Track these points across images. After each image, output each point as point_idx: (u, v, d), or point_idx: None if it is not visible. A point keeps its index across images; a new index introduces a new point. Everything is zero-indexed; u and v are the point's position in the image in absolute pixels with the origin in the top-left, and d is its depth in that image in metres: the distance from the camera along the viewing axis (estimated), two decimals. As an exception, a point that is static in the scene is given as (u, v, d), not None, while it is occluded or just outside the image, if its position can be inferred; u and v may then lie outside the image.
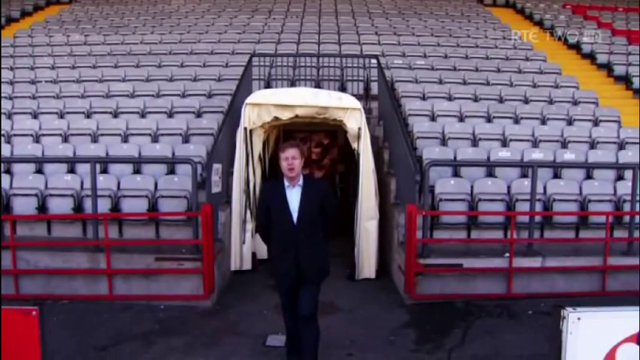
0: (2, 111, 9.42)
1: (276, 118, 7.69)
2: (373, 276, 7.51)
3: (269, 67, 11.29)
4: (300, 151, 4.54)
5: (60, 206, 7.28)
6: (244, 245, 7.66)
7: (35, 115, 9.68)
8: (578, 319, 2.78)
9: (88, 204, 7.04)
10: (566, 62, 13.47)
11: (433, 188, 7.43)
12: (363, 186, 7.46)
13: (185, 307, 6.37)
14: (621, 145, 9.04)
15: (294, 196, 4.49)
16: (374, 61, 10.99)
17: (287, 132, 10.13)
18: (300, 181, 4.53)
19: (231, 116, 8.27)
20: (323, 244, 4.69)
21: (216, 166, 7.30)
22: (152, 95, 10.48)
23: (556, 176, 8.10)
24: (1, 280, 6.02)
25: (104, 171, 7.81)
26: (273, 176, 8.87)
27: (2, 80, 10.66)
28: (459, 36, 14.69)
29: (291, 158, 4.43)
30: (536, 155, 8.40)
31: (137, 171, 7.94)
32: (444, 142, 8.88)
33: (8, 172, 7.77)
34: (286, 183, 4.52)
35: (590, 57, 14.19)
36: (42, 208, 7.31)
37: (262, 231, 4.84)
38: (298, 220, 4.47)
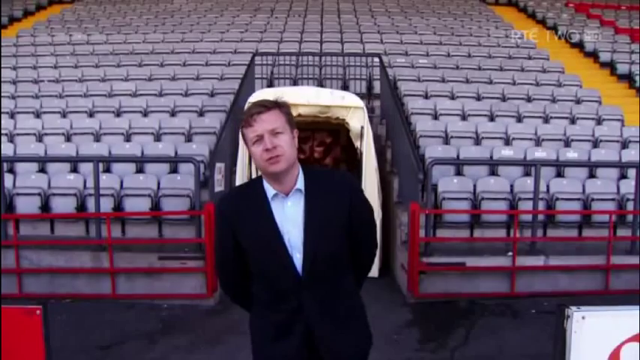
0: (5, 110, 9.44)
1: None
2: (376, 275, 7.48)
3: (271, 65, 11.31)
4: (287, 118, 2.29)
5: (63, 205, 7.28)
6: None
7: (38, 115, 9.70)
8: (583, 318, 2.77)
9: (90, 203, 7.04)
10: (569, 61, 13.45)
11: (436, 187, 7.42)
12: (365, 184, 7.45)
13: (188, 305, 6.37)
14: (624, 144, 9.01)
15: (290, 217, 2.30)
16: (376, 59, 10.98)
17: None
18: (300, 183, 2.31)
19: (234, 115, 8.26)
20: (357, 302, 2.57)
21: (219, 165, 7.30)
22: (155, 94, 10.48)
23: (559, 175, 8.07)
24: (5, 280, 6.03)
25: (107, 170, 7.82)
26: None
27: (5, 80, 10.69)
28: (462, 34, 14.67)
29: (268, 134, 2.22)
30: (539, 154, 8.38)
31: (140, 170, 7.94)
32: (446, 140, 8.86)
33: (11, 171, 7.78)
34: (270, 191, 2.31)
35: (593, 55, 14.17)
36: (45, 207, 7.31)
37: (231, 291, 2.66)
38: (307, 265, 2.30)
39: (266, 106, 2.27)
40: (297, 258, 2.30)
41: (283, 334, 2.37)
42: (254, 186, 2.38)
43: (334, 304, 2.39)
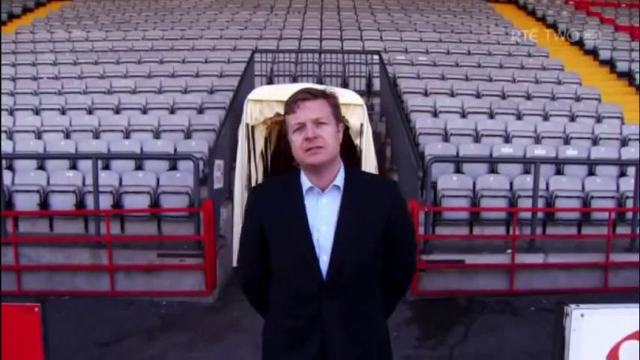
0: (4, 107, 9.43)
1: (278, 114, 7.66)
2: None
3: (271, 63, 11.30)
4: (334, 110, 2.15)
5: (62, 202, 7.27)
6: (246, 241, 7.63)
7: (37, 112, 9.68)
8: (582, 315, 2.76)
9: (89, 200, 7.02)
10: (569, 58, 13.45)
11: (435, 184, 7.41)
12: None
13: (187, 303, 6.37)
14: (624, 142, 9.01)
15: (322, 215, 2.13)
16: (376, 57, 10.98)
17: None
18: (339, 179, 2.15)
19: (233, 112, 8.26)
20: (383, 326, 2.29)
21: (218, 162, 7.29)
22: (154, 91, 10.46)
23: (558, 172, 8.07)
24: (4, 277, 6.03)
25: (106, 167, 7.80)
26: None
27: (4, 77, 10.67)
28: (462, 32, 14.68)
29: (311, 124, 2.07)
30: (539, 151, 8.38)
31: (139, 167, 7.92)
32: (446, 138, 8.86)
33: (10, 168, 7.76)
34: (305, 184, 2.15)
35: (593, 53, 14.18)
36: (44, 204, 7.29)
37: (250, 287, 2.40)
38: (332, 270, 2.10)
39: (313, 93, 2.12)
40: (324, 260, 2.10)
41: (299, 342, 2.15)
42: (290, 178, 2.20)
43: (357, 322, 2.16)
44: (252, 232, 2.24)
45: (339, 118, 2.17)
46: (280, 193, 2.19)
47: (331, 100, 2.15)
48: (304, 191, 2.15)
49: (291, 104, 2.10)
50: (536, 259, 6.73)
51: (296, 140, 2.09)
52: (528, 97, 10.63)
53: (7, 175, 7.42)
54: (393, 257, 2.24)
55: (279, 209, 2.16)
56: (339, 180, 2.15)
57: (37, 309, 2.91)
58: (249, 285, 2.39)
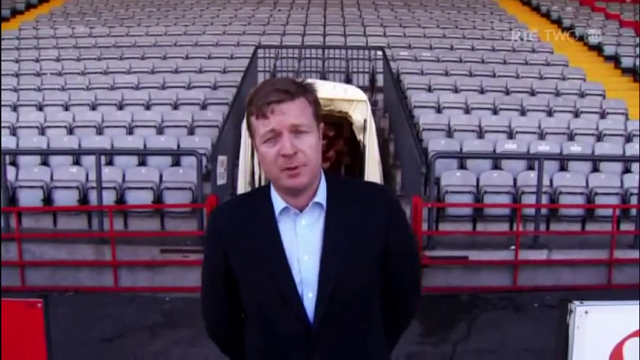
0: (8, 103, 9.45)
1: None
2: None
3: (274, 58, 11.28)
4: (314, 109, 1.65)
5: (65, 198, 7.29)
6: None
7: (40, 107, 9.69)
8: (586, 312, 2.75)
9: (93, 196, 7.04)
10: (573, 54, 13.37)
11: (439, 180, 7.40)
12: (368, 178, 7.42)
13: (190, 298, 6.34)
14: (628, 138, 8.98)
15: (303, 241, 1.68)
16: (379, 52, 10.96)
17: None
18: (321, 194, 1.69)
19: (237, 108, 8.25)
20: None
21: (222, 158, 7.29)
22: (157, 87, 10.46)
23: (562, 169, 8.06)
24: (8, 272, 6.04)
25: (109, 163, 7.82)
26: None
27: (8, 72, 10.69)
28: (465, 27, 14.61)
29: (288, 132, 1.58)
30: (543, 147, 8.35)
31: (142, 163, 7.94)
32: (449, 134, 8.84)
33: (14, 164, 7.78)
34: (278, 203, 1.69)
35: (598, 49, 14.08)
36: (47, 200, 7.32)
37: (217, 334, 2.07)
38: (321, 309, 1.66)
39: (290, 92, 1.59)
40: (309, 298, 1.66)
41: None
42: (258, 197, 1.75)
43: None
44: (216, 268, 1.77)
45: (319, 119, 1.67)
46: (246, 217, 1.72)
47: (311, 96, 1.65)
48: (277, 213, 1.68)
49: (262, 106, 1.60)
50: (540, 255, 6.72)
51: (268, 154, 1.60)
52: (532, 93, 10.59)
53: (10, 171, 7.43)
54: (394, 282, 1.81)
55: (247, 238, 1.69)
56: (321, 194, 1.69)
57: (39, 304, 2.91)
58: (215, 332, 2.02)
